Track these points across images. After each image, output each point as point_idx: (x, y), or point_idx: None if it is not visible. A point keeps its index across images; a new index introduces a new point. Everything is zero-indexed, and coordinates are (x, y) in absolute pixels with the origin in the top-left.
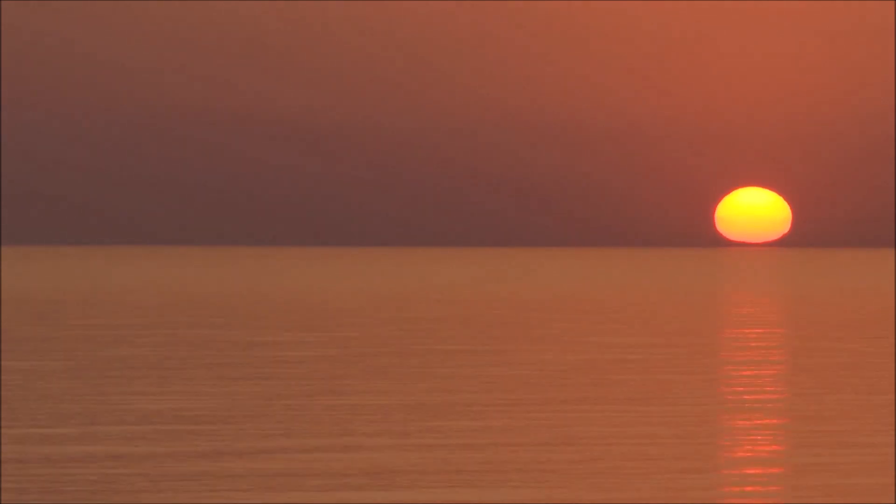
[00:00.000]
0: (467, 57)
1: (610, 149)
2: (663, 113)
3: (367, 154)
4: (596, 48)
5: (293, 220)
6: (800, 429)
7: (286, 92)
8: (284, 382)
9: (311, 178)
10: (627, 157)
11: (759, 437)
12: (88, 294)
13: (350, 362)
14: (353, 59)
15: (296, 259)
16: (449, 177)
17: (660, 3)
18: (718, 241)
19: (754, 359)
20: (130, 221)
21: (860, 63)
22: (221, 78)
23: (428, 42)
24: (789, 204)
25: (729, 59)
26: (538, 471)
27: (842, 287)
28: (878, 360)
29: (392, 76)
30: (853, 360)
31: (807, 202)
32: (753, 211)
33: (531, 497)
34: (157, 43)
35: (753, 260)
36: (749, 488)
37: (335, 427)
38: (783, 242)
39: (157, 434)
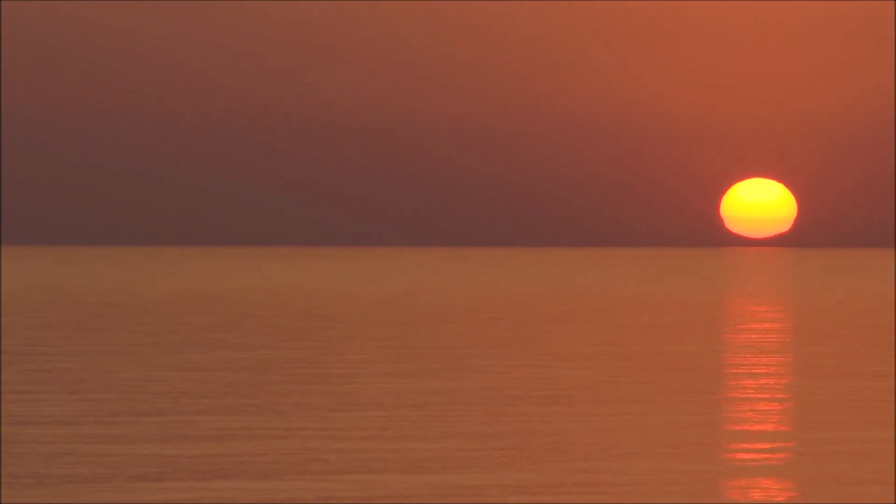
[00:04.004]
0: (466, 56)
1: (611, 147)
2: (664, 110)
3: (375, 153)
4: (596, 47)
5: (295, 220)
6: (800, 428)
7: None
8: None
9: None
10: (628, 155)
11: (759, 439)
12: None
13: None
14: (354, 59)
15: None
16: (448, 176)
17: (659, 3)
18: (724, 238)
19: (759, 363)
20: (137, 222)
21: (859, 61)
22: (223, 77)
23: (427, 41)
24: (795, 196)
25: (728, 57)
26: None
27: (847, 287)
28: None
29: (392, 75)
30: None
31: (813, 196)
32: (758, 207)
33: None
34: (158, 42)
35: (759, 259)
36: (749, 488)
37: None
38: (787, 238)
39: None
